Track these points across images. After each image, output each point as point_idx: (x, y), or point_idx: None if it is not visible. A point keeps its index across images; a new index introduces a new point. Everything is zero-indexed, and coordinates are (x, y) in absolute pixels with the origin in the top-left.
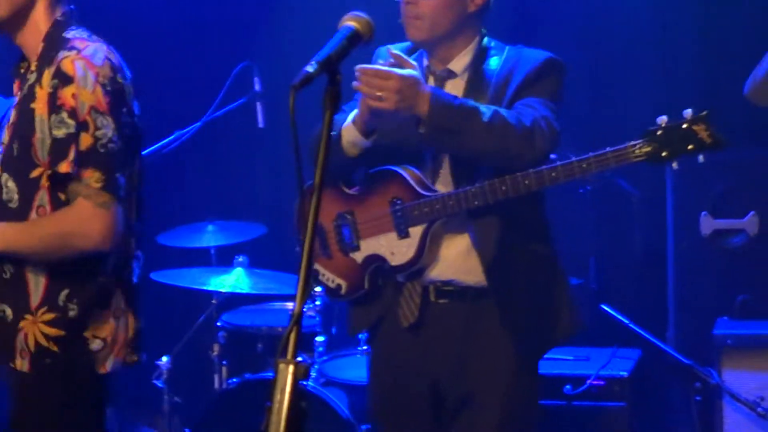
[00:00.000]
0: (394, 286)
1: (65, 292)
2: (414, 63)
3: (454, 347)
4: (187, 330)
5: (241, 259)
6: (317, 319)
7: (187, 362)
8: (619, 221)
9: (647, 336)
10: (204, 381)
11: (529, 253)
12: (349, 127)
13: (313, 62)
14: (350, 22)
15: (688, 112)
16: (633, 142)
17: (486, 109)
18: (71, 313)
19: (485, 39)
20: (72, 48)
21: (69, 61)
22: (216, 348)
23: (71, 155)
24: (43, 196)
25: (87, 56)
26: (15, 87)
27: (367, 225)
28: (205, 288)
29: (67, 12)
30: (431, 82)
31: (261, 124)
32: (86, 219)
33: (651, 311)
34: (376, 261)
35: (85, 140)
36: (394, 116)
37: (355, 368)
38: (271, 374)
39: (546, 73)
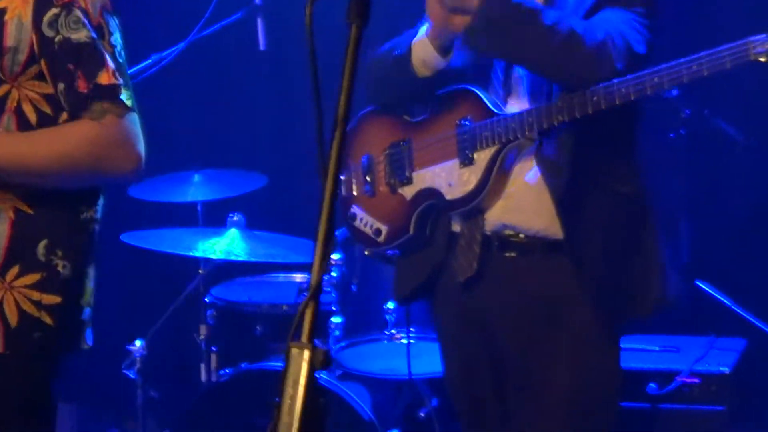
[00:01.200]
0: (448, 236)
1: (43, 242)
2: None
3: (520, 310)
4: (167, 307)
5: (235, 218)
6: (333, 295)
7: (167, 348)
8: (720, 175)
9: (754, 321)
10: (188, 372)
11: (614, 196)
12: (422, 41)
13: None
14: None
15: None
16: (756, 38)
17: (550, 13)
18: (63, 272)
19: None
20: None
21: None
22: (203, 330)
23: (110, 62)
24: (9, 120)
25: None
26: None
27: (424, 152)
28: (189, 254)
29: None
30: None
31: (262, 46)
32: (122, 138)
33: (759, 290)
34: (429, 197)
35: (106, 47)
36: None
37: (379, 358)
38: (275, 363)
39: None
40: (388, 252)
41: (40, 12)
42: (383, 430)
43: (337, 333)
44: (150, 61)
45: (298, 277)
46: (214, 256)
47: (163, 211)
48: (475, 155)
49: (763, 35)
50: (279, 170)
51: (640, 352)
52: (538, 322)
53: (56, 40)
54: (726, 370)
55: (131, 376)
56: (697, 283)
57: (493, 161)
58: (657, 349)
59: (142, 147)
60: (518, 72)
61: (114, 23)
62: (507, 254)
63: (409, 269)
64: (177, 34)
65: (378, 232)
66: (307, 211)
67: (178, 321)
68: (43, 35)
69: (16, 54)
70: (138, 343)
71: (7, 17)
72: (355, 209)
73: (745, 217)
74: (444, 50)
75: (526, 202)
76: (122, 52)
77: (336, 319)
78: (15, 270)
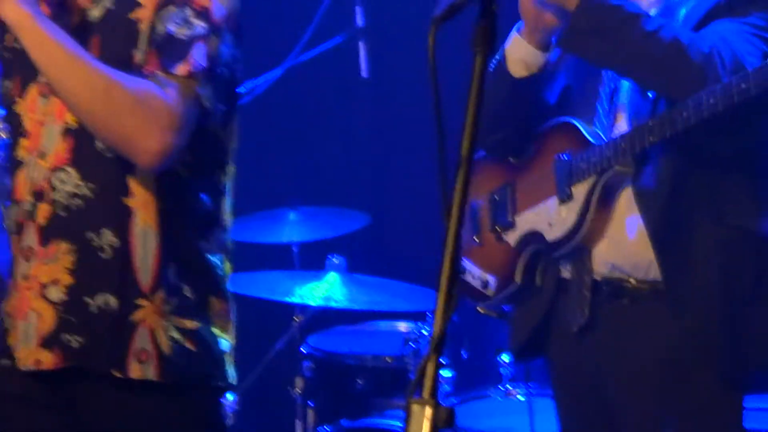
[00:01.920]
0: (557, 282)
1: (177, 265)
2: None
3: (633, 367)
4: (260, 358)
5: (335, 261)
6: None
7: (260, 402)
8: None
9: None
10: (283, 429)
11: (731, 230)
12: (515, 39)
13: None
14: None
15: None
16: None
17: (653, 19)
18: (190, 294)
19: None
20: None
21: None
22: (299, 383)
23: (196, 55)
24: None
25: None
26: (43, 5)
27: (526, 193)
28: (285, 300)
29: None
30: None
31: (364, 73)
32: (169, 115)
33: None
34: (532, 241)
35: (211, 47)
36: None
37: (494, 416)
38: (378, 420)
39: None
40: (502, 307)
41: (159, 10)
42: None
43: (447, 388)
44: (243, 89)
45: (403, 326)
46: (311, 303)
47: (256, 253)
48: (573, 189)
49: None
50: (382, 209)
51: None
52: (653, 382)
53: (158, 31)
54: None
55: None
56: None
57: (590, 194)
58: None
59: (178, 142)
60: (623, 100)
61: (230, 40)
62: (619, 301)
63: (520, 320)
64: (272, 60)
65: (485, 284)
66: (413, 254)
67: (272, 373)
68: (154, 29)
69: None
70: (230, 396)
71: (142, 23)
72: (465, 260)
73: None
74: (544, 46)
75: (634, 242)
76: (227, 68)
77: (446, 373)
78: (162, 294)
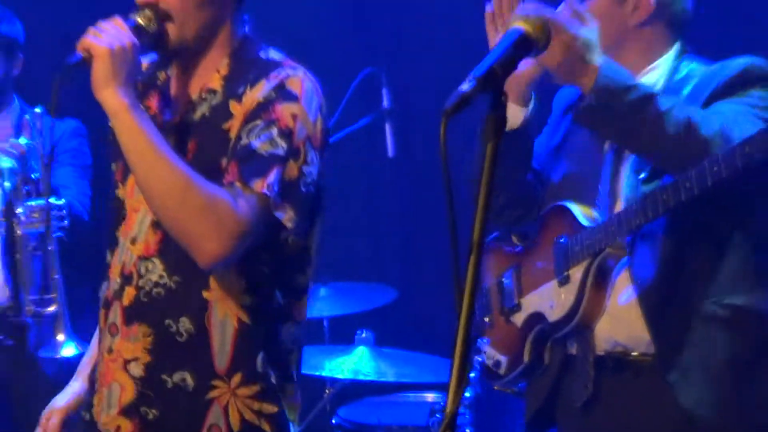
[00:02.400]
0: (564, 359)
1: (261, 354)
2: (596, 25)
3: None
4: (312, 407)
5: (364, 335)
6: (467, 416)
7: None
8: None
9: None
10: None
11: (719, 303)
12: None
13: (471, 78)
14: (519, 23)
15: None
16: None
17: (664, 98)
18: (273, 381)
19: (681, 54)
20: (295, 68)
21: (297, 80)
22: None
23: (272, 177)
24: None
25: (313, 81)
26: (152, 101)
27: (529, 276)
28: (315, 373)
29: (248, 28)
30: None
31: (391, 153)
32: (235, 223)
33: None
34: (537, 322)
35: (291, 170)
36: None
37: None
38: None
39: (751, 78)
40: (517, 386)
41: (246, 123)
42: None
43: None
44: None
45: (430, 396)
46: (341, 376)
47: None
48: (570, 273)
49: None
50: (409, 283)
51: None
52: None
53: (242, 143)
54: None
55: None
56: None
57: (585, 276)
58: None
59: (237, 250)
60: (622, 182)
61: (316, 158)
62: (622, 375)
63: (531, 396)
64: None
65: (498, 363)
66: (440, 327)
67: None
68: (239, 140)
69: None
70: None
71: (232, 132)
72: (483, 345)
73: None
74: (524, 102)
75: (631, 319)
76: (312, 186)
77: None
78: (238, 378)
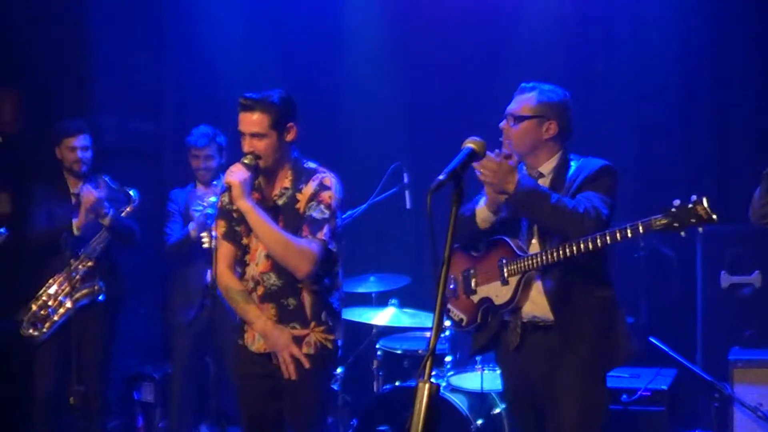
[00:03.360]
0: (501, 323)
1: (323, 313)
2: (516, 158)
3: (543, 365)
4: (356, 350)
5: (393, 301)
6: (447, 345)
7: (355, 372)
8: (662, 276)
9: (681, 360)
10: (366, 386)
11: (591, 295)
12: (482, 208)
13: (444, 173)
14: (470, 144)
15: (693, 197)
16: (655, 216)
17: (553, 195)
18: (333, 324)
19: (568, 153)
20: (325, 172)
21: (328, 179)
22: (375, 363)
23: (325, 229)
24: None
25: (336, 178)
26: (255, 194)
27: (482, 276)
28: (368, 321)
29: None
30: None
31: (408, 206)
32: (314, 257)
33: (684, 342)
34: (486, 302)
35: (332, 224)
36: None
37: (473, 380)
38: (414, 383)
39: (602, 174)
40: (470, 331)
41: (307, 204)
42: (474, 421)
43: (448, 366)
44: (348, 214)
45: (428, 334)
46: (380, 323)
47: (353, 297)
48: (509, 279)
49: (660, 215)
50: (417, 274)
51: (617, 377)
52: (555, 372)
53: (307, 214)
54: (665, 387)
55: (336, 388)
56: (650, 338)
57: (518, 283)
58: (627, 375)
59: (316, 269)
60: (533, 232)
61: (340, 217)
62: (537, 333)
63: (479, 338)
64: (361, 199)
65: (461, 321)
66: (434, 298)
67: (362, 358)
68: (306, 213)
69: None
70: (339, 369)
71: (300, 209)
72: (450, 305)
73: (676, 299)
74: (495, 213)
75: (542, 303)
76: (339, 230)
77: (448, 358)
78: (314, 324)
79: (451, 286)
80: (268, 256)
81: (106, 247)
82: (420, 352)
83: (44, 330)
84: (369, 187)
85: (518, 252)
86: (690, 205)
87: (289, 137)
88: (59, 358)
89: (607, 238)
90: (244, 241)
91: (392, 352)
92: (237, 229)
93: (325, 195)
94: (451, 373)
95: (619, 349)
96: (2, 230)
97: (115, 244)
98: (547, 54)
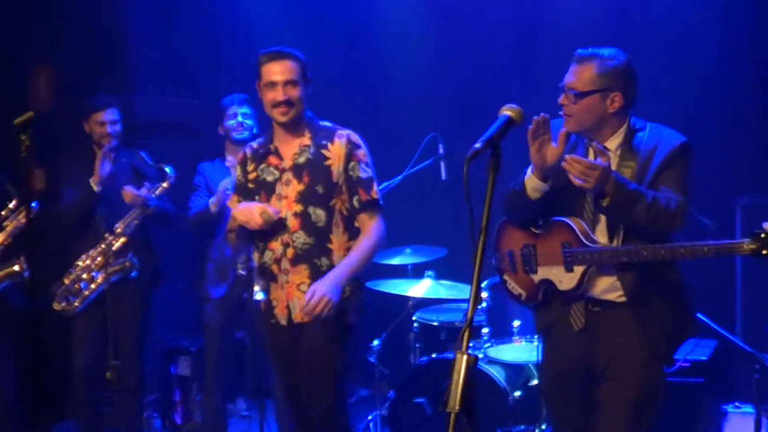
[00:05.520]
0: (564, 303)
1: (348, 288)
2: (609, 155)
3: (609, 343)
4: (392, 322)
5: (429, 273)
6: (484, 316)
7: (392, 345)
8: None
9: (721, 331)
10: (403, 358)
11: (663, 276)
12: (530, 177)
13: (480, 141)
14: (507, 111)
15: None
16: (743, 240)
17: (648, 194)
18: (358, 283)
19: (631, 120)
20: (344, 128)
21: (354, 136)
22: (412, 335)
23: (375, 187)
24: (337, 216)
25: (358, 135)
26: (271, 159)
27: (543, 257)
28: (404, 293)
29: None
30: (591, 154)
31: (444, 177)
32: (382, 231)
33: (724, 313)
34: (547, 283)
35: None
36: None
37: (510, 352)
38: (450, 355)
39: (682, 156)
40: (529, 306)
41: (346, 163)
42: (511, 393)
43: (485, 337)
44: (384, 185)
45: (464, 306)
46: (417, 295)
47: (389, 269)
48: (575, 267)
49: (748, 239)
50: (453, 246)
51: None
52: (619, 350)
53: (353, 176)
54: (705, 358)
55: (372, 360)
56: None
57: (585, 272)
58: None
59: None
60: (600, 213)
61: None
62: (596, 310)
63: (542, 316)
64: (397, 170)
65: (520, 295)
66: (471, 270)
67: (399, 330)
68: (347, 174)
69: (336, 184)
70: (376, 342)
71: (333, 167)
72: (506, 278)
73: (717, 270)
74: (545, 179)
75: (610, 284)
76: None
77: (485, 330)
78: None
79: (511, 265)
80: (296, 215)
81: (140, 223)
82: (456, 324)
83: (76, 304)
84: (404, 159)
85: (584, 239)
86: None
87: (308, 92)
88: (96, 331)
89: (689, 253)
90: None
91: (429, 324)
92: (257, 198)
93: (360, 153)
94: (488, 344)
95: (687, 327)
96: (34, 204)
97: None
98: (586, 37)
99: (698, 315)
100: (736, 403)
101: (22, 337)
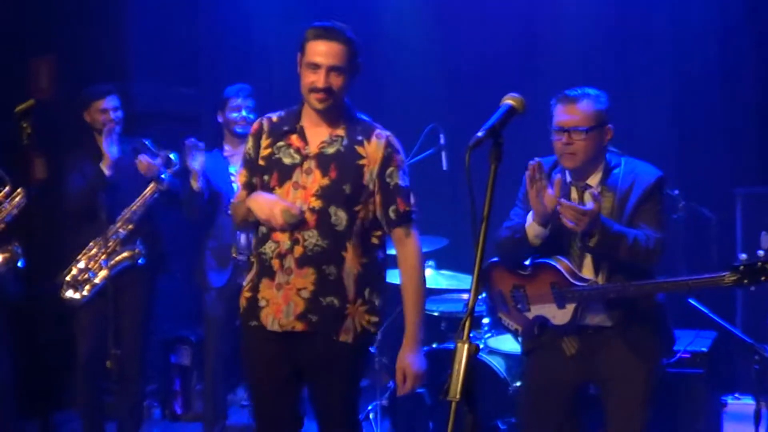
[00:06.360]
0: (555, 332)
1: (367, 289)
2: (600, 201)
3: (598, 360)
4: (392, 312)
5: (430, 263)
6: (484, 307)
7: (392, 335)
8: (702, 237)
9: (721, 321)
10: None
11: (647, 300)
12: (531, 225)
13: (482, 129)
14: (509, 100)
15: (761, 253)
16: (723, 273)
17: (630, 235)
18: (377, 303)
19: (607, 157)
20: (383, 129)
21: (393, 139)
22: None
23: (413, 198)
24: (358, 224)
25: (395, 138)
26: (292, 139)
27: (534, 298)
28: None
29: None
30: (574, 193)
31: (445, 167)
32: (421, 251)
33: (724, 304)
34: (541, 318)
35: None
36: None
37: (510, 342)
38: (451, 346)
39: (657, 191)
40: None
41: (382, 168)
42: (512, 383)
43: (486, 328)
44: None
45: (465, 296)
46: None
47: (393, 259)
48: (567, 305)
49: (728, 272)
50: (455, 236)
51: None
52: (613, 364)
53: (391, 184)
54: (705, 349)
55: (372, 350)
56: (689, 299)
57: (577, 308)
58: None
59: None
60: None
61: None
62: (593, 337)
63: (531, 340)
64: None
65: (517, 330)
66: (472, 260)
67: (399, 320)
68: (384, 180)
69: (366, 188)
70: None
71: (366, 168)
72: (501, 316)
73: (716, 260)
74: (545, 225)
75: (599, 311)
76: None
77: (486, 320)
78: (359, 302)
79: (503, 305)
80: (313, 211)
81: (146, 210)
82: (458, 314)
83: (84, 293)
84: (405, 149)
85: (570, 279)
86: (759, 264)
87: (352, 80)
88: (100, 320)
89: (673, 287)
90: (276, 192)
91: (429, 314)
92: (265, 178)
93: (399, 158)
94: (489, 335)
95: (667, 346)
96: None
97: (156, 207)
98: (585, 30)
99: (699, 306)
100: (736, 394)
101: (21, 326)
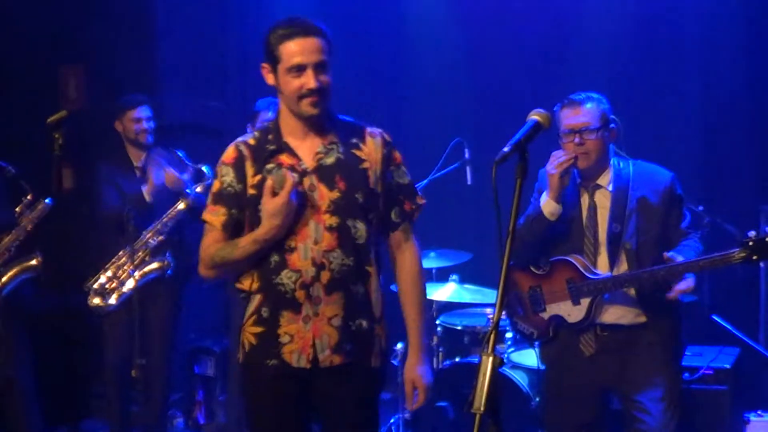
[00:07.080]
0: (571, 334)
1: (381, 302)
2: (692, 287)
3: (620, 360)
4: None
5: (453, 277)
6: (508, 321)
7: None
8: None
9: (744, 338)
10: None
11: (659, 308)
12: (547, 202)
13: (508, 144)
14: (535, 116)
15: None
16: (733, 250)
17: (697, 251)
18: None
19: (613, 157)
20: (372, 125)
21: (385, 134)
22: (435, 339)
23: (419, 192)
24: (373, 233)
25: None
26: (281, 158)
27: (550, 296)
28: (428, 297)
29: None
30: (585, 195)
31: (469, 182)
32: (420, 257)
33: (747, 319)
34: (557, 319)
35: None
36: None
37: (533, 357)
38: (474, 359)
39: (675, 191)
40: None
41: (385, 167)
42: (534, 398)
43: (509, 342)
44: None
45: (488, 310)
46: (441, 299)
47: None
48: (581, 300)
49: (738, 248)
50: (479, 250)
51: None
52: (636, 364)
53: (398, 184)
54: (728, 365)
55: (395, 363)
56: (712, 316)
57: (592, 302)
58: (689, 353)
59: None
60: (601, 246)
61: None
62: (613, 336)
63: (549, 347)
64: (423, 174)
65: (532, 334)
66: (495, 274)
67: None
68: (388, 180)
69: (374, 192)
70: (399, 345)
71: (369, 171)
72: (516, 320)
73: (740, 277)
74: (559, 201)
75: (619, 311)
76: None
77: (509, 335)
78: (383, 321)
79: (519, 308)
80: (331, 229)
81: (177, 222)
82: (478, 328)
83: (111, 302)
84: (430, 163)
85: (585, 273)
86: (767, 238)
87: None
88: (127, 330)
89: (686, 269)
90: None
91: (452, 328)
92: (260, 208)
93: (397, 155)
94: (512, 349)
95: (682, 351)
96: (48, 201)
97: (185, 219)
98: (612, 49)
99: (722, 322)
100: (759, 411)
101: (48, 335)
